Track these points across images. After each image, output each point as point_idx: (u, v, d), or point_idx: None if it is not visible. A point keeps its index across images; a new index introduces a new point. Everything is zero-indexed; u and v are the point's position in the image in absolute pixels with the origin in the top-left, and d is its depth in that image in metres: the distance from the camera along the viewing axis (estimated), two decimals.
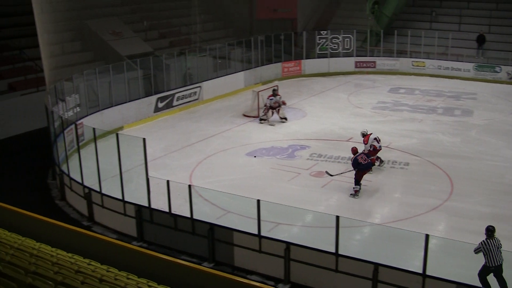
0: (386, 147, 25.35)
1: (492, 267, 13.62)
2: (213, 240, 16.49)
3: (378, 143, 22.62)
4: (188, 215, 16.80)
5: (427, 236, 13.14)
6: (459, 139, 26.69)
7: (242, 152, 25.21)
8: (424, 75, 41.49)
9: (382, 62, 42.75)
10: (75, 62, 32.90)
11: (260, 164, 23.70)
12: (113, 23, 37.67)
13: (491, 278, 13.64)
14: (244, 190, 20.05)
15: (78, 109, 26.07)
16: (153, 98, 30.72)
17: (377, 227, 17.47)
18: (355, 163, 20.35)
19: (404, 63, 42.42)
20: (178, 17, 42.32)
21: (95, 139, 18.86)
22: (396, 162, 23.60)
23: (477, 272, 13.74)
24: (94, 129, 19.02)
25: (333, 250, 14.57)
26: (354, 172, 20.51)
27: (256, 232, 15.68)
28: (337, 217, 14.27)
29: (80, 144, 21.66)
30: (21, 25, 32.55)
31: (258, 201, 15.37)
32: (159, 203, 17.58)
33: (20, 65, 31.03)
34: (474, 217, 18.64)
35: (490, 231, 13.67)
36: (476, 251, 13.71)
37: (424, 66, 41.93)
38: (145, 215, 17.73)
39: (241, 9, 47.52)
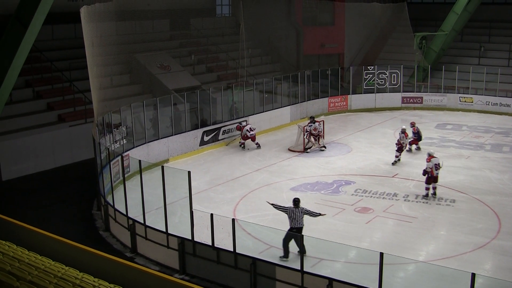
0: None
1: (294, 229, 17.36)
2: (255, 274, 16.40)
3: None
4: (231, 249, 16.77)
5: (473, 275, 12.84)
6: (507, 176, 26.21)
7: (286, 186, 25.15)
8: (472, 111, 41.07)
9: (429, 98, 42.43)
10: (123, 94, 33.43)
11: (304, 199, 23.51)
12: (161, 57, 38.24)
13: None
14: (287, 225, 19.97)
15: (124, 141, 26.38)
16: (199, 131, 30.94)
17: (421, 264, 17.18)
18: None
19: (451, 98, 42.04)
20: (226, 51, 42.74)
21: (140, 171, 19.02)
22: (442, 199, 23.28)
23: None
24: (140, 161, 19.20)
25: None
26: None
27: (298, 267, 15.57)
28: (381, 254, 14.07)
29: (126, 175, 21.86)
30: (73, 58, 33.27)
31: (302, 236, 15.28)
32: (202, 236, 17.57)
33: (70, 97, 31.60)
34: None
35: (296, 202, 17.81)
36: (279, 208, 18.07)
37: (472, 102, 41.47)
38: (188, 248, 17.75)
39: (289, 44, 47.76)
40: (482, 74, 41.33)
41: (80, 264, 13.43)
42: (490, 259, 18.27)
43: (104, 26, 26.50)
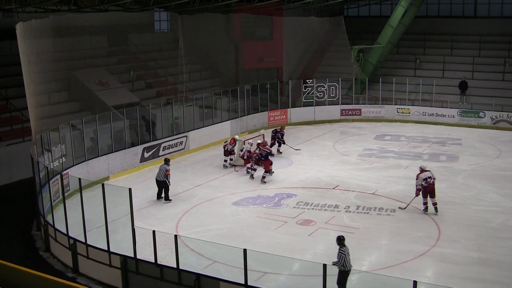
0: (372, 194, 25.46)
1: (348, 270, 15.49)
2: None
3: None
4: (174, 266, 16.66)
5: (415, 282, 13.05)
6: (445, 184, 26.74)
7: (228, 201, 25.12)
8: (409, 122, 41.91)
9: (368, 110, 43.10)
10: (62, 112, 32.90)
11: (246, 213, 23.62)
12: (100, 73, 37.81)
13: None
14: (230, 239, 19.98)
15: (63, 159, 25.96)
16: (139, 148, 30.67)
17: (364, 274, 17.37)
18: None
19: (389, 110, 42.82)
20: (165, 67, 42.56)
21: (80, 189, 18.75)
22: (382, 209, 23.60)
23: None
24: (79, 179, 18.93)
25: None
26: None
27: (242, 281, 15.55)
28: (324, 265, 14.19)
29: (66, 194, 21.52)
30: (9, 76, 32.64)
31: (245, 250, 15.28)
32: (145, 253, 17.42)
33: (6, 115, 30.99)
34: (462, 262, 18.62)
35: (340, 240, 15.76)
36: (338, 262, 15.40)
37: (409, 113, 42.30)
38: (130, 266, 17.57)
39: (228, 59, 47.83)
40: (418, 86, 42.28)
41: (21, 286, 13.15)
42: (431, 266, 18.58)
43: (41, 43, 26.14)
